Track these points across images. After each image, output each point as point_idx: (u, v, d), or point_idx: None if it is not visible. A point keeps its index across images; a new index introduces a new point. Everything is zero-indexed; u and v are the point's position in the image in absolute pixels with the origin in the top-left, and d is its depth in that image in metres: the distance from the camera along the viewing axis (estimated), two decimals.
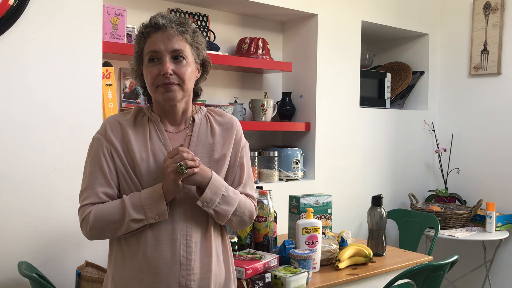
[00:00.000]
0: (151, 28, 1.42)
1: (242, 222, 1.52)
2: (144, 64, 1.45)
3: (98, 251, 2.10)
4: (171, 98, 1.42)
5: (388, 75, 3.50)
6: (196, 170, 1.38)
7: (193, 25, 1.49)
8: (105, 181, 1.42)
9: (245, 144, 1.59)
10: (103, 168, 1.42)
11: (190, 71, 1.44)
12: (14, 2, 1.93)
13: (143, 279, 1.40)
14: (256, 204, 1.58)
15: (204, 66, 1.54)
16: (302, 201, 2.43)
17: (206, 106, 2.60)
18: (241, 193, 1.52)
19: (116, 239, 1.46)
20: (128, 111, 1.53)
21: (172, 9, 2.67)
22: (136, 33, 1.47)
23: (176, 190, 1.39)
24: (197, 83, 1.54)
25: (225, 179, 1.52)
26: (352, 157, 3.25)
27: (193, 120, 1.53)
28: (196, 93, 1.57)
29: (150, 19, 1.44)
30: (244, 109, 2.88)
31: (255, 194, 2.22)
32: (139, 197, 1.39)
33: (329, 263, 2.28)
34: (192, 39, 1.46)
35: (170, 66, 1.40)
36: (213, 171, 1.44)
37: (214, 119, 1.55)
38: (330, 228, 2.54)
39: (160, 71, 1.40)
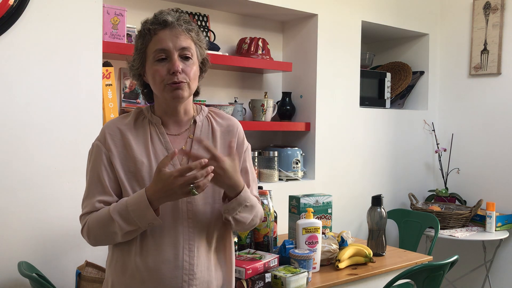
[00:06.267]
0: (158, 25, 1.40)
1: (252, 225, 1.52)
2: (148, 62, 1.42)
3: (98, 251, 2.10)
4: (180, 96, 1.40)
5: (388, 75, 3.50)
6: (206, 186, 1.31)
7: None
8: (102, 189, 1.40)
9: (247, 146, 1.57)
10: (101, 176, 1.40)
11: (196, 70, 1.43)
12: (14, 2, 1.93)
13: (145, 285, 1.38)
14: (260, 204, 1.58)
15: (203, 65, 1.51)
16: (302, 201, 2.43)
17: (206, 106, 2.61)
18: None
19: (116, 244, 1.45)
20: (128, 114, 1.50)
21: (172, 9, 2.67)
22: (140, 29, 1.44)
23: (173, 200, 1.36)
24: None
25: None
26: (352, 157, 3.25)
27: (195, 121, 1.51)
28: (196, 92, 1.55)
29: (156, 16, 1.42)
30: (244, 109, 2.88)
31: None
32: (126, 209, 1.34)
33: (329, 263, 2.28)
34: (197, 38, 1.45)
35: (180, 64, 1.38)
36: (245, 184, 1.42)
37: (215, 121, 1.53)
38: (330, 228, 2.54)
39: (169, 69, 1.38)
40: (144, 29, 1.42)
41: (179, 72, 1.38)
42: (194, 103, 1.56)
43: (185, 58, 1.41)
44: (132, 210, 1.33)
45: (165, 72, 1.39)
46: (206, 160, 1.30)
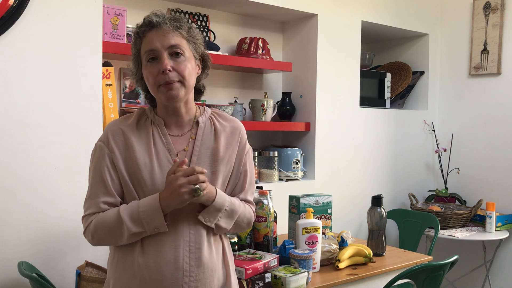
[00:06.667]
0: (145, 27, 1.41)
1: (239, 228, 1.54)
2: (143, 65, 1.43)
3: (98, 251, 2.10)
4: (174, 96, 1.40)
5: (388, 75, 3.50)
6: (205, 192, 1.37)
7: (192, 23, 1.48)
8: (106, 190, 1.41)
9: (248, 149, 1.57)
10: (104, 177, 1.41)
11: (190, 67, 1.42)
12: (14, 2, 1.93)
13: (145, 285, 1.39)
14: (254, 209, 1.59)
15: (204, 62, 1.51)
16: (302, 201, 2.43)
17: (207, 106, 2.61)
18: (241, 200, 1.53)
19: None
20: (131, 114, 1.50)
21: (172, 9, 2.67)
22: (132, 34, 1.47)
23: (181, 205, 1.37)
24: (198, 80, 1.51)
25: (228, 184, 1.51)
26: (352, 157, 3.25)
27: (197, 123, 1.50)
28: (199, 91, 1.55)
29: (144, 18, 1.43)
30: (244, 109, 2.88)
31: (256, 194, 2.23)
32: (136, 210, 1.36)
33: (329, 263, 2.28)
34: (188, 34, 1.44)
35: (169, 63, 1.38)
36: (217, 189, 1.43)
37: (218, 122, 1.53)
38: (330, 228, 2.54)
39: (159, 69, 1.38)
40: (134, 33, 1.44)
41: (169, 70, 1.38)
42: (196, 104, 1.55)
43: (176, 55, 1.40)
44: (142, 211, 1.35)
45: (156, 73, 1.39)
46: (206, 170, 1.38)
